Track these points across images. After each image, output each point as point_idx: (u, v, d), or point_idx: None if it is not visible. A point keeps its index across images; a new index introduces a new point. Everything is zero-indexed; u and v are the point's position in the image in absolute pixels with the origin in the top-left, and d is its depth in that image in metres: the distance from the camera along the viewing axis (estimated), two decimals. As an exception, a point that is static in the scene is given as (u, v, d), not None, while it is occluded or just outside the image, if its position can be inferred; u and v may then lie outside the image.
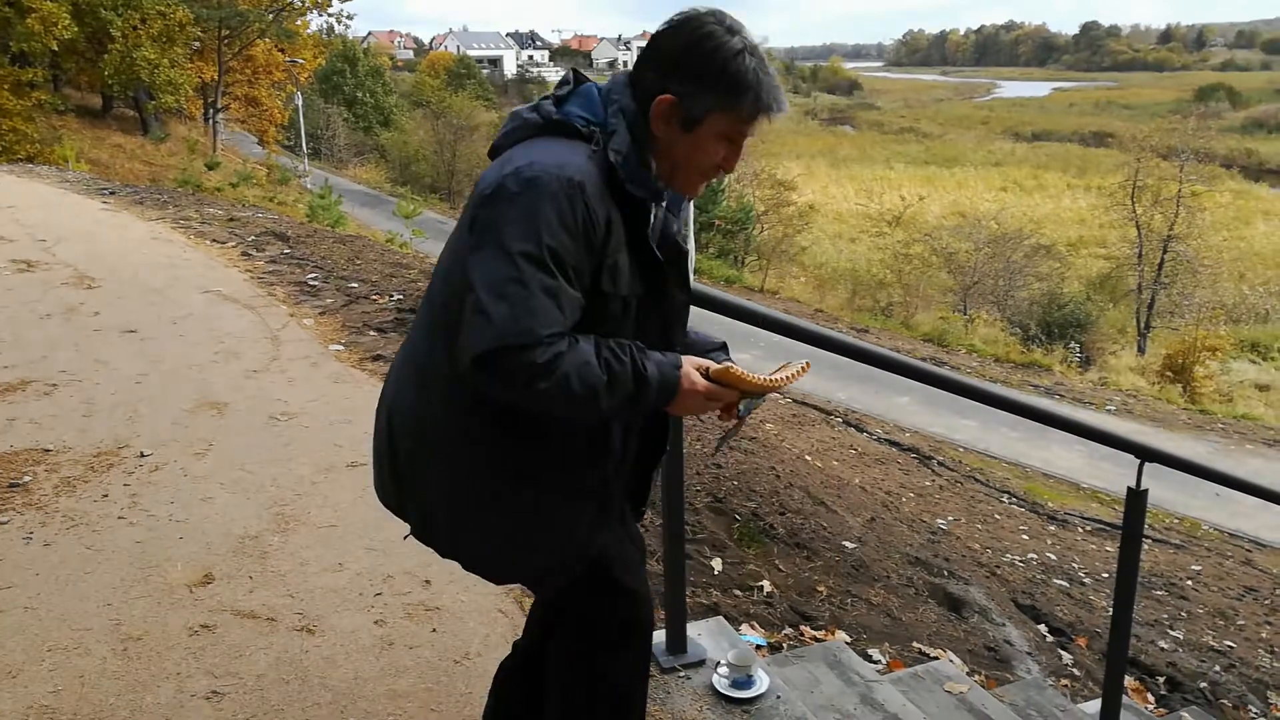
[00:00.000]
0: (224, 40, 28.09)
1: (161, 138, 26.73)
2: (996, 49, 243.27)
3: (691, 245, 1.92)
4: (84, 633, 2.70)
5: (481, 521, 1.69)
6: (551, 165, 1.50)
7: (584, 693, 1.86)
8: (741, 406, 1.67)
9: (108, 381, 4.79)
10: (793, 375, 1.67)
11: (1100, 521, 9.72)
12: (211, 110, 30.33)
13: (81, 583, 2.96)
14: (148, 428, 4.22)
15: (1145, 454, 2.96)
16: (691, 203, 1.86)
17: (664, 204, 1.70)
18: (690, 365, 1.61)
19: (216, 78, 28.63)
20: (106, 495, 3.56)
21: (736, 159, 1.64)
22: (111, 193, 11.39)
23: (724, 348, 1.91)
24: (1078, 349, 20.60)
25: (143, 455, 3.93)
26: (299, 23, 30.28)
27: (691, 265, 1.85)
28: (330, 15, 30.55)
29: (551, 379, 1.46)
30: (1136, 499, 3.01)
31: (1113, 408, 15.88)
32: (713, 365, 1.63)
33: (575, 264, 1.49)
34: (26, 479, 3.65)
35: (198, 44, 26.08)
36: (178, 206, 10.56)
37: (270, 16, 28.55)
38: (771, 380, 1.64)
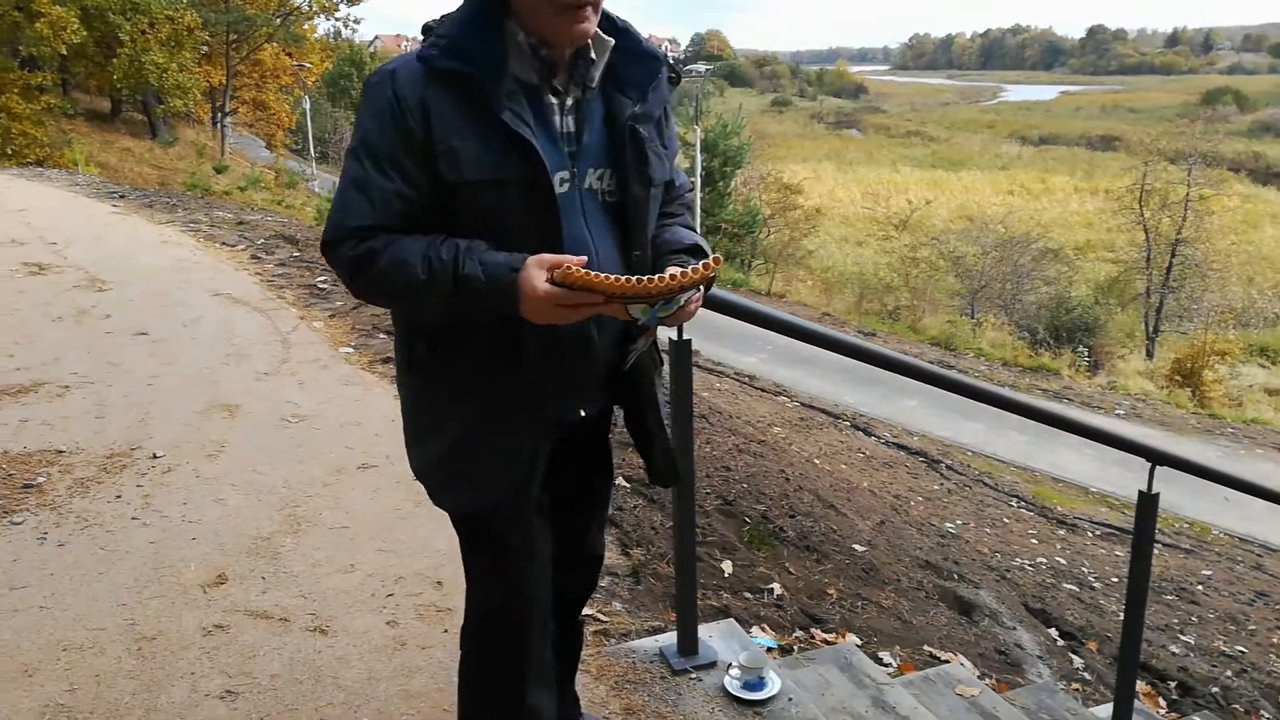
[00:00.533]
0: (232, 44, 28.22)
1: (170, 141, 26.84)
2: (1003, 52, 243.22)
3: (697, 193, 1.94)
4: (99, 632, 2.71)
5: (420, 445, 1.73)
6: (383, 66, 1.53)
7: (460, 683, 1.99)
8: (640, 313, 1.45)
9: (120, 383, 4.81)
10: (678, 278, 1.40)
11: (1110, 526, 9.69)
12: (219, 114, 30.45)
13: (96, 583, 2.97)
14: (160, 429, 4.24)
15: (1156, 457, 2.96)
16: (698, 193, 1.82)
17: (569, 88, 1.57)
18: (536, 267, 1.42)
19: (224, 81, 28.75)
20: (120, 496, 3.58)
21: None
22: (121, 196, 11.44)
23: (693, 250, 1.70)
24: (1086, 353, 20.54)
25: (155, 457, 3.95)
26: (306, 27, 30.47)
27: (696, 203, 1.83)
28: (337, 20, 30.62)
29: (367, 275, 1.48)
30: (1148, 502, 3.01)
31: (1121, 412, 15.84)
32: (563, 266, 1.41)
33: (390, 155, 1.46)
34: (40, 480, 3.67)
35: (206, 48, 26.19)
36: (187, 210, 10.60)
37: (278, 21, 28.68)
38: (637, 284, 1.39)
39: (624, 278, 1.38)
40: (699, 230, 1.86)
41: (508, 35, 1.49)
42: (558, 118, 1.56)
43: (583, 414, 1.74)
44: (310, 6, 29.31)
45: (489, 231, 1.47)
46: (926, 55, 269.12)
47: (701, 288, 1.49)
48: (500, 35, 1.48)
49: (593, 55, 1.56)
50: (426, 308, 1.51)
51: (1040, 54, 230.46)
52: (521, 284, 1.40)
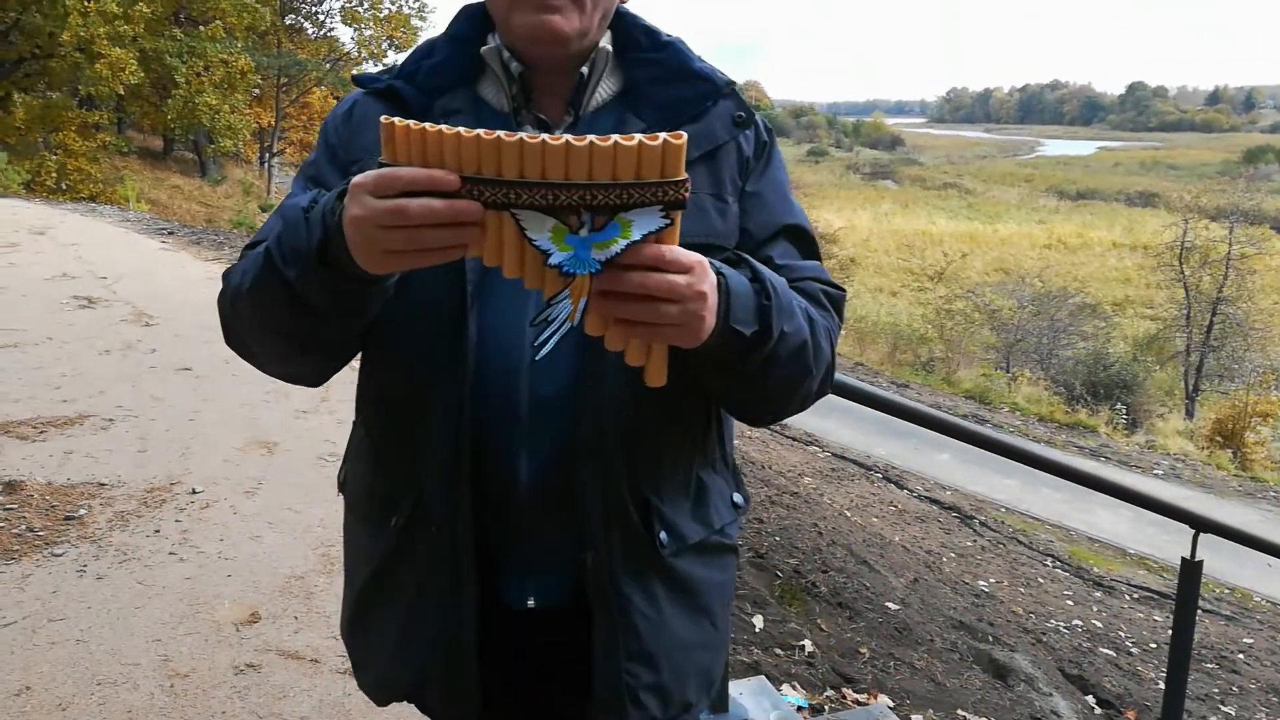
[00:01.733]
0: (282, 88, 28.98)
1: (219, 180, 27.50)
2: (1041, 107, 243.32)
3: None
4: (133, 668, 2.74)
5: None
6: None
7: None
8: (552, 241, 0.86)
9: (162, 418, 4.89)
10: (608, 143, 0.84)
11: (1148, 589, 9.47)
12: (267, 154, 31.19)
13: (132, 617, 3.01)
14: (199, 465, 4.30)
15: (1200, 524, 2.91)
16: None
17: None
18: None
19: (273, 123, 29.48)
20: (159, 531, 3.63)
21: None
22: (170, 233, 11.72)
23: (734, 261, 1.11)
24: (1124, 410, 20.24)
25: (194, 492, 4.00)
26: (354, 71, 31.17)
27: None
28: (385, 65, 31.45)
29: (226, 297, 1.15)
30: (1190, 569, 2.95)
31: (1160, 472, 15.55)
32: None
33: (311, 172, 1.24)
34: (82, 512, 3.73)
35: (257, 91, 26.91)
36: (233, 247, 10.83)
37: (327, 66, 29.43)
38: (512, 142, 0.84)
39: (495, 133, 0.84)
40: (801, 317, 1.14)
41: (486, 53, 1.19)
42: None
43: (530, 604, 1.19)
44: (359, 53, 30.06)
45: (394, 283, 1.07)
46: (964, 109, 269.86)
47: (659, 216, 0.87)
48: (470, 49, 1.20)
49: (583, 70, 1.17)
50: (278, 298, 1.04)
51: (1079, 109, 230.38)
52: (349, 190, 0.92)
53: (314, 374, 1.21)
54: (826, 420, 13.87)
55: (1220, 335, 24.25)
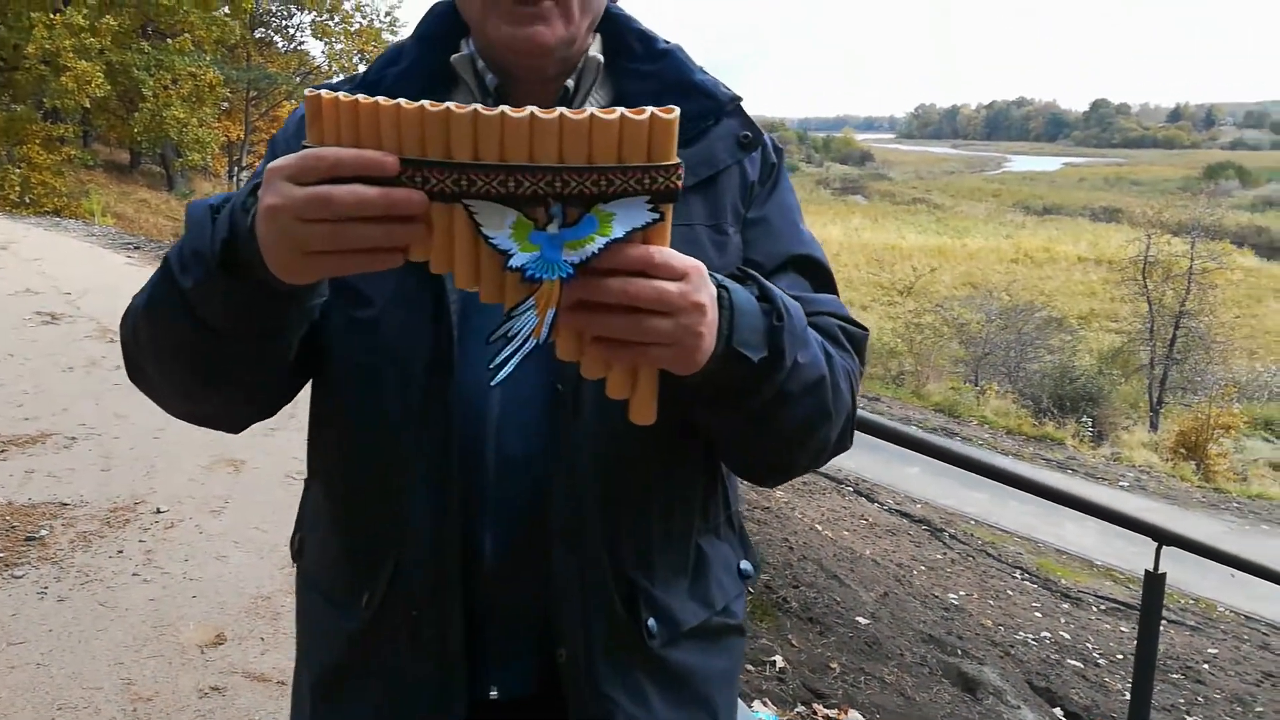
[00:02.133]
0: (251, 101, 28.78)
1: (186, 194, 27.21)
2: (1007, 123, 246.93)
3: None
4: (94, 692, 2.69)
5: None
6: None
7: None
8: (510, 237, 0.71)
9: (126, 436, 4.83)
10: (583, 117, 0.70)
11: (1115, 600, 9.58)
12: (236, 168, 30.96)
13: (94, 640, 2.96)
14: (164, 484, 4.25)
15: (1163, 537, 2.96)
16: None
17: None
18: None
19: (243, 136, 29.25)
20: (122, 551, 3.57)
21: None
22: (136, 247, 11.60)
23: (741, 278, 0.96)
24: (1090, 423, 20.52)
25: (159, 511, 3.95)
26: (324, 84, 31.07)
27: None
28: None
29: (128, 326, 1.00)
30: (1154, 583, 3.00)
31: (1126, 484, 15.76)
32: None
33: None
34: (43, 532, 3.67)
35: (226, 104, 26.70)
36: (200, 262, 10.73)
37: (297, 79, 29.26)
38: (465, 116, 0.70)
39: (444, 105, 0.71)
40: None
41: (457, 62, 1.05)
42: None
43: (493, 694, 1.02)
44: (329, 66, 29.93)
45: (355, 330, 0.98)
46: (932, 125, 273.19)
47: (646, 210, 0.72)
48: (441, 55, 1.06)
49: (569, 83, 1.03)
50: (178, 319, 0.88)
51: (1044, 126, 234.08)
52: (262, 190, 0.76)
53: (226, 416, 1.04)
54: (798, 434, 13.93)
55: (1183, 349, 24.69)
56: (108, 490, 4.13)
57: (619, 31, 1.08)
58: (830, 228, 54.61)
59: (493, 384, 0.83)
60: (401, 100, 0.71)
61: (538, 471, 0.97)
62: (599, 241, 0.72)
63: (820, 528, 7.57)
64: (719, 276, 0.85)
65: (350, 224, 0.71)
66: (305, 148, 0.73)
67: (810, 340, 0.95)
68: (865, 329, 1.09)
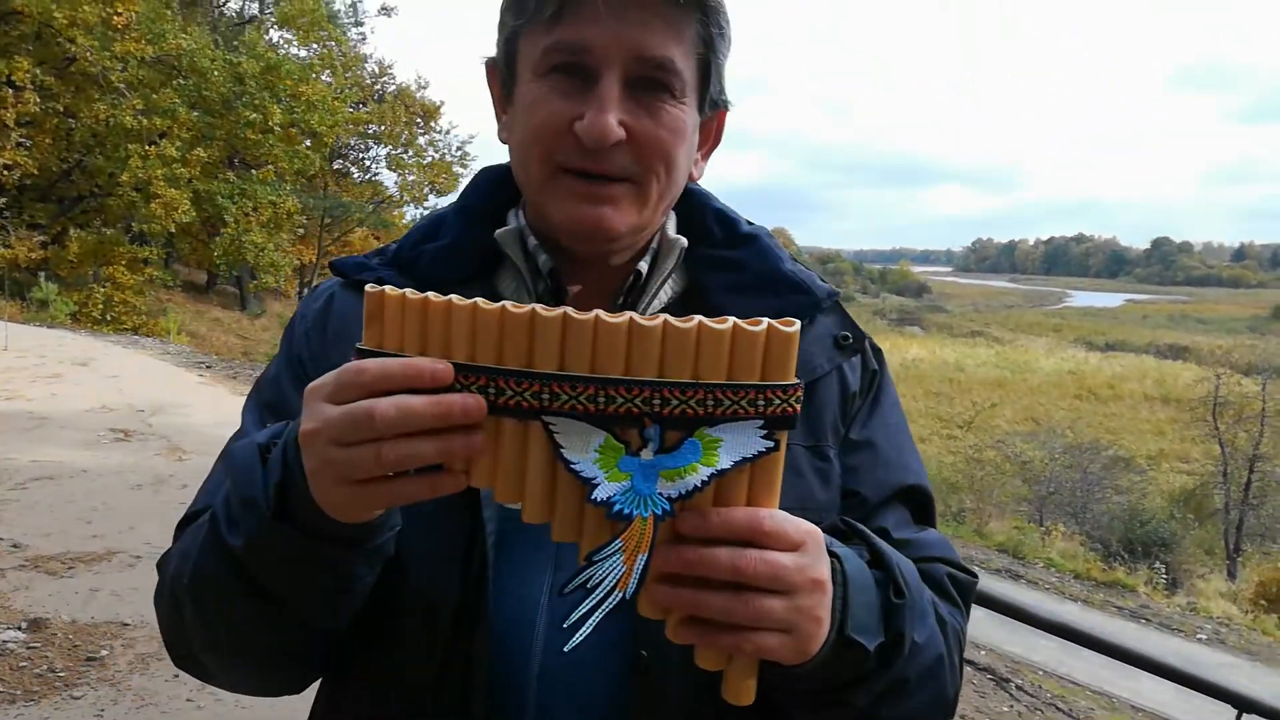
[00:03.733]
0: (325, 227, 30.13)
1: (258, 313, 28.29)
2: (1066, 259, 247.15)
3: None
4: (142, 825, 2.65)
5: None
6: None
7: None
8: (595, 461, 0.62)
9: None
10: (690, 328, 0.62)
11: (1198, 765, 8.96)
12: (306, 289, 32.16)
13: (145, 770, 2.94)
14: (223, 607, 4.28)
15: (1243, 704, 2.80)
16: None
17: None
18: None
19: (315, 260, 30.51)
20: (178, 675, 3.57)
21: (600, 112, 0.81)
22: (208, 366, 12.00)
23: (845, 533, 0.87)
24: (1163, 569, 19.68)
25: (216, 636, 3.97)
26: (395, 213, 32.43)
27: None
28: (425, 208, 32.73)
29: (162, 591, 0.90)
30: (1243, 755, 2.82)
31: (1204, 636, 14.95)
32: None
33: (268, 398, 0.95)
34: (104, 653, 3.70)
35: (302, 230, 27.97)
36: (269, 382, 11.05)
37: (370, 208, 30.64)
38: (547, 318, 0.62)
39: (528, 306, 0.63)
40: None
41: (502, 237, 0.93)
42: None
43: None
44: (401, 196, 31.35)
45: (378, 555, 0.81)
46: (990, 259, 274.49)
47: (759, 437, 0.62)
48: (487, 228, 0.94)
49: (641, 266, 0.91)
50: (231, 587, 0.76)
51: (1105, 262, 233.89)
52: (304, 407, 0.68)
53: (300, 681, 0.90)
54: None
55: (1259, 493, 23.79)
56: (167, 611, 4.17)
57: (695, 211, 0.97)
58: (887, 359, 54.36)
59: (566, 648, 0.68)
60: (479, 300, 0.62)
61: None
62: (702, 473, 0.61)
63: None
64: (829, 540, 0.73)
65: (397, 441, 0.61)
66: (359, 349, 0.65)
67: (928, 609, 0.82)
68: (974, 575, 0.95)
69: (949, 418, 32.97)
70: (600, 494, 0.61)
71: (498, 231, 0.92)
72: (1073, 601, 15.30)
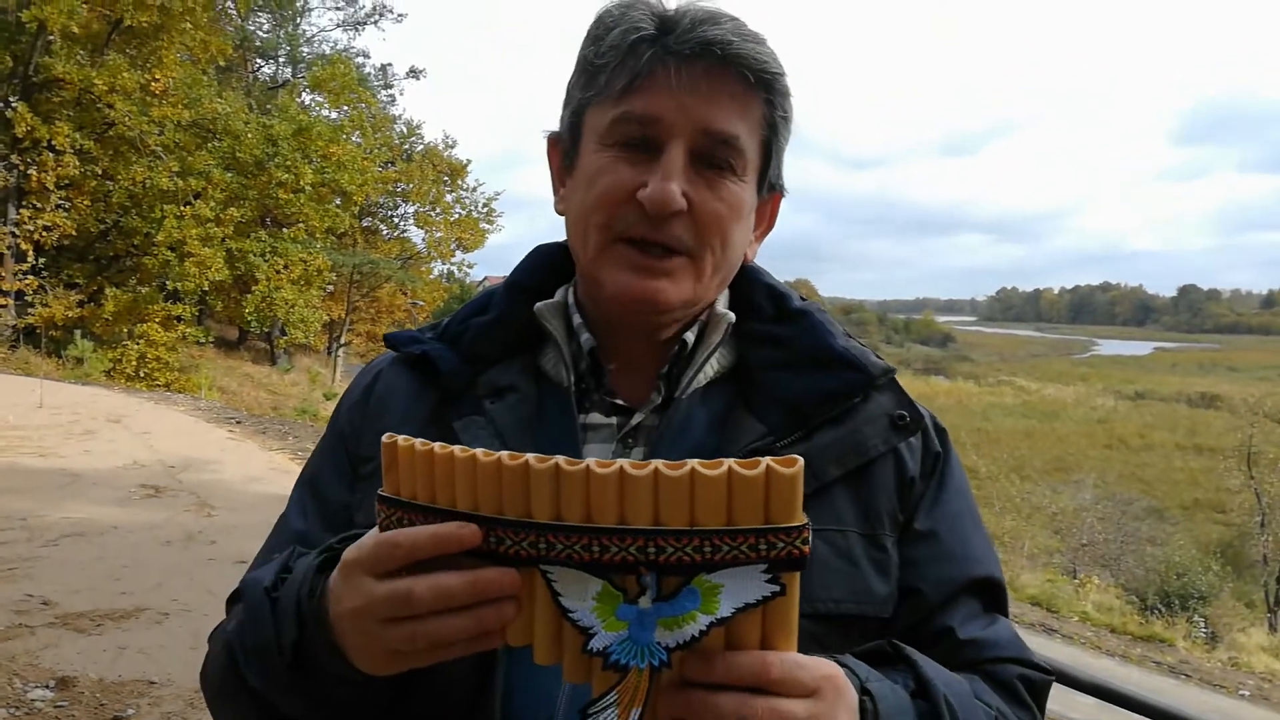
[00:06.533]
0: (354, 283, 30.56)
1: (288, 369, 28.61)
2: (1092, 308, 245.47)
3: None
4: None
5: None
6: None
7: None
8: (593, 610, 0.61)
9: (216, 613, 4.85)
10: (681, 471, 0.59)
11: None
12: (335, 344, 32.51)
13: (170, 831, 2.93)
14: (249, 665, 4.28)
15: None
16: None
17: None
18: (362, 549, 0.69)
19: (344, 315, 30.91)
20: (203, 735, 3.58)
21: (664, 179, 0.82)
22: (238, 422, 12.13)
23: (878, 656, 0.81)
24: (1202, 623, 19.22)
25: (242, 694, 3.97)
26: (423, 269, 32.85)
27: None
28: (453, 264, 33.16)
29: (206, 687, 0.90)
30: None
31: (1247, 693, 14.53)
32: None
33: (313, 478, 0.98)
34: (130, 712, 3.71)
35: (331, 287, 28.39)
36: (297, 438, 11.13)
37: (399, 264, 31.09)
38: (551, 471, 0.61)
39: (523, 456, 0.62)
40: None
41: (544, 311, 0.93)
42: (598, 447, 0.89)
43: None
44: (429, 253, 31.79)
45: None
46: (1014, 308, 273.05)
47: (763, 581, 0.60)
48: (531, 306, 0.94)
49: (689, 336, 0.91)
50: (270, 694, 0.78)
51: (1131, 310, 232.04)
52: (338, 573, 0.70)
53: None
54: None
55: (1299, 544, 23.24)
56: (194, 670, 4.16)
57: (746, 286, 0.96)
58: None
59: None
60: (479, 451, 0.62)
61: None
62: (701, 621, 0.59)
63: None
64: (860, 672, 0.70)
65: (433, 619, 0.62)
66: (380, 496, 0.66)
67: None
68: (1051, 673, 0.89)
69: (975, 469, 32.57)
70: (596, 644, 0.60)
71: (538, 305, 0.93)
72: (1110, 657, 14.95)
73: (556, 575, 0.60)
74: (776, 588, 0.59)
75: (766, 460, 0.58)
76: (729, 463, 0.58)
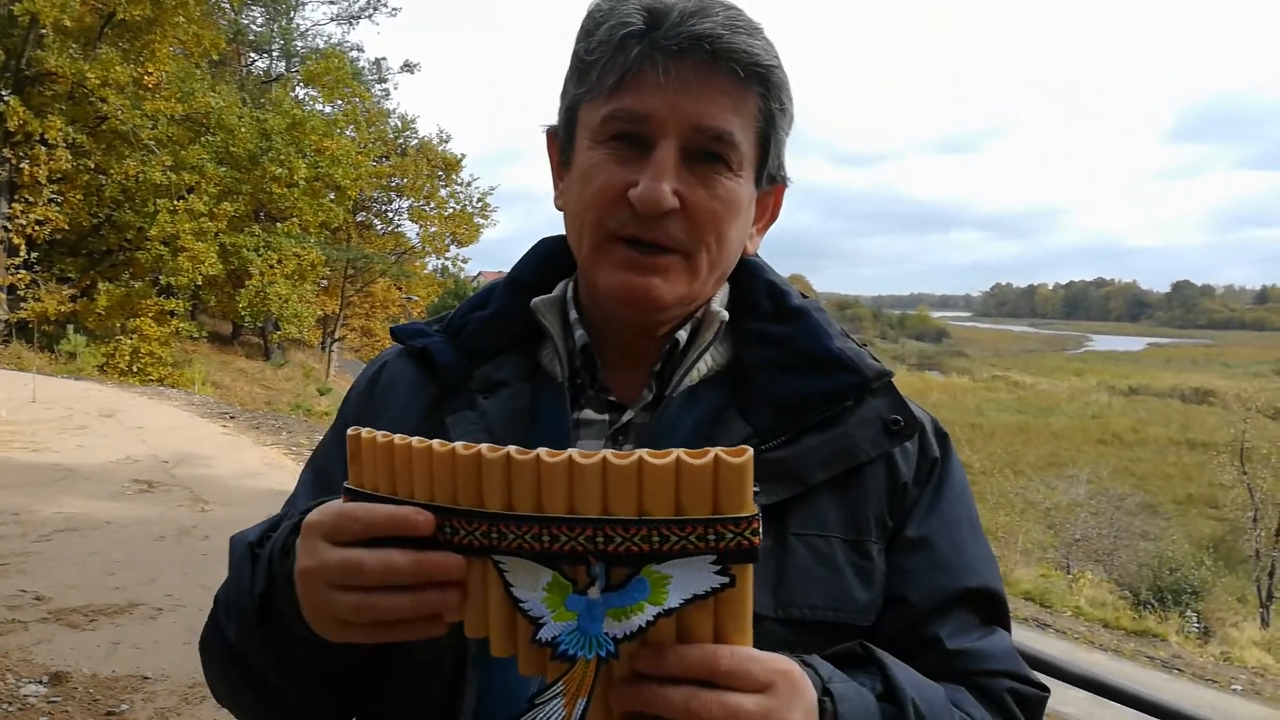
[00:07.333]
0: (348, 278, 30.49)
1: (281, 364, 28.54)
2: (1086, 304, 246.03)
3: None
4: None
5: None
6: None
7: None
8: (543, 600, 0.61)
9: (210, 609, 4.90)
10: (628, 461, 0.59)
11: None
12: (329, 339, 32.45)
13: (164, 826, 2.93)
14: (243, 660, 4.28)
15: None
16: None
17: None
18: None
19: (337, 310, 30.83)
20: (197, 731, 3.57)
21: (654, 179, 0.81)
22: (231, 416, 12.10)
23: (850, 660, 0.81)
24: (1195, 618, 19.30)
25: (236, 689, 3.96)
26: (417, 264, 32.77)
27: None
28: (447, 259, 33.09)
29: (207, 666, 0.92)
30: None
31: (1239, 688, 14.60)
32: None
33: (318, 466, 0.99)
34: (124, 707, 3.70)
35: (325, 281, 28.32)
36: (290, 433, 11.11)
37: (393, 259, 31.02)
38: (502, 461, 0.62)
39: (475, 447, 0.62)
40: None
41: (539, 306, 0.94)
42: (589, 444, 0.89)
43: None
44: (423, 247, 31.72)
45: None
46: (1009, 304, 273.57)
47: (712, 572, 0.59)
48: (530, 302, 0.95)
49: (681, 335, 0.90)
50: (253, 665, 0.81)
51: (1125, 306, 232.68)
52: (300, 546, 0.71)
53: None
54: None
55: (1291, 538, 23.33)
56: (188, 665, 4.17)
57: (746, 282, 0.95)
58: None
59: None
60: (435, 442, 0.63)
61: None
62: (649, 611, 0.59)
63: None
64: (824, 672, 0.69)
65: (379, 594, 0.64)
66: (346, 488, 0.68)
67: None
68: (1045, 689, 0.86)
69: (969, 464, 32.66)
70: (545, 634, 0.60)
71: (534, 300, 0.93)
72: (1102, 651, 15.00)
73: (509, 565, 0.61)
74: (726, 579, 0.59)
75: (714, 450, 0.58)
76: (677, 452, 0.58)
